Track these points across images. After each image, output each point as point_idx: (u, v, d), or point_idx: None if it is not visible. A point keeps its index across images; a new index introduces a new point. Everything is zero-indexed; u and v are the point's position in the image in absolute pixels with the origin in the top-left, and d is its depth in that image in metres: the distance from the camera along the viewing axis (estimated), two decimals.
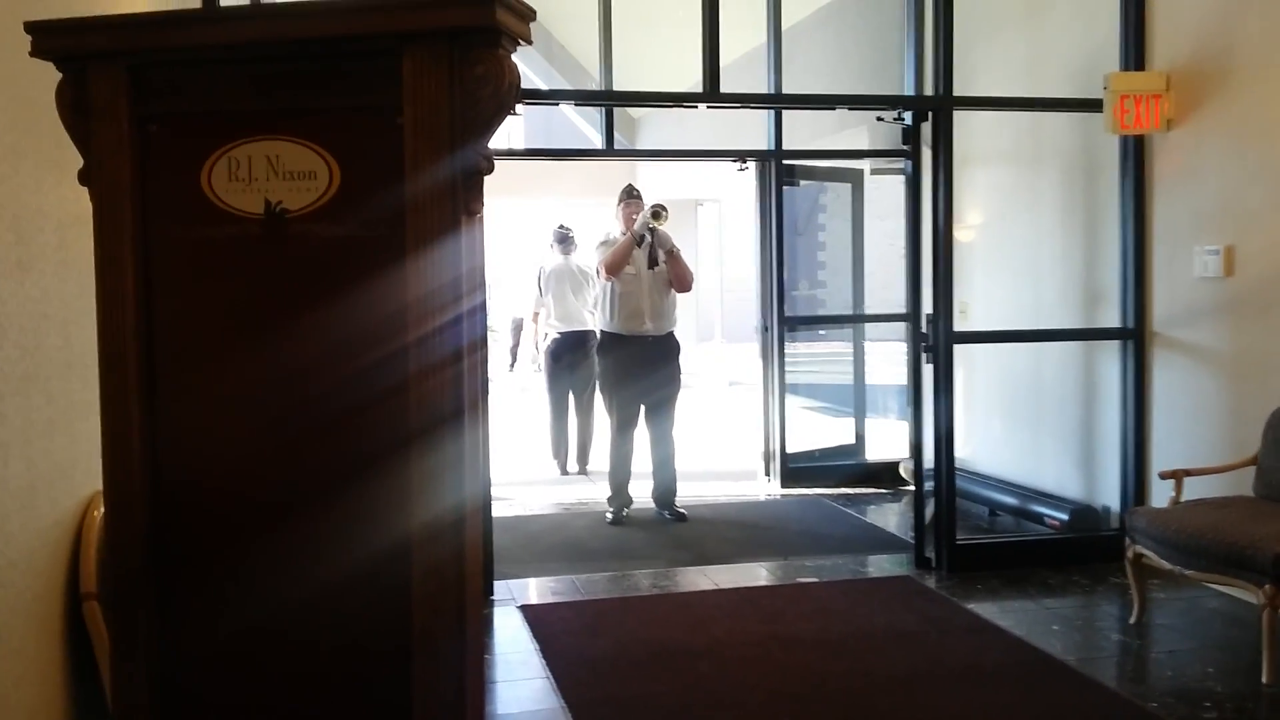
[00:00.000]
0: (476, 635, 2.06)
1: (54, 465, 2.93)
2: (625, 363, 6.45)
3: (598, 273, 6.61)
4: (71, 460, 3.03)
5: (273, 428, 2.08)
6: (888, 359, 9.62)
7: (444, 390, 1.96)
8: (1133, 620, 4.50)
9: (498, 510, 6.05)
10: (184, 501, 2.10)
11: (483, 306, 2.20)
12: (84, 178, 2.09)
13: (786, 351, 7.39)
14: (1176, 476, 4.55)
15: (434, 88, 1.94)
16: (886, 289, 12.14)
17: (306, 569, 2.06)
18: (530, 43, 2.08)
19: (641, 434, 6.57)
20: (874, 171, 8.17)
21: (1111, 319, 5.49)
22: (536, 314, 8.48)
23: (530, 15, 2.01)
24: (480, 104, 1.94)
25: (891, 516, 6.62)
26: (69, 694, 3.07)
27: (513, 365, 15.27)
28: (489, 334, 13.71)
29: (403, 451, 1.97)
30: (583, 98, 7.84)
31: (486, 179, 2.03)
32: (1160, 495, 4.96)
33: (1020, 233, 6.29)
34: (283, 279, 2.07)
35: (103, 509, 2.33)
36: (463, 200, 1.97)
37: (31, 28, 2.03)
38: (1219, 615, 4.63)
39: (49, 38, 2.04)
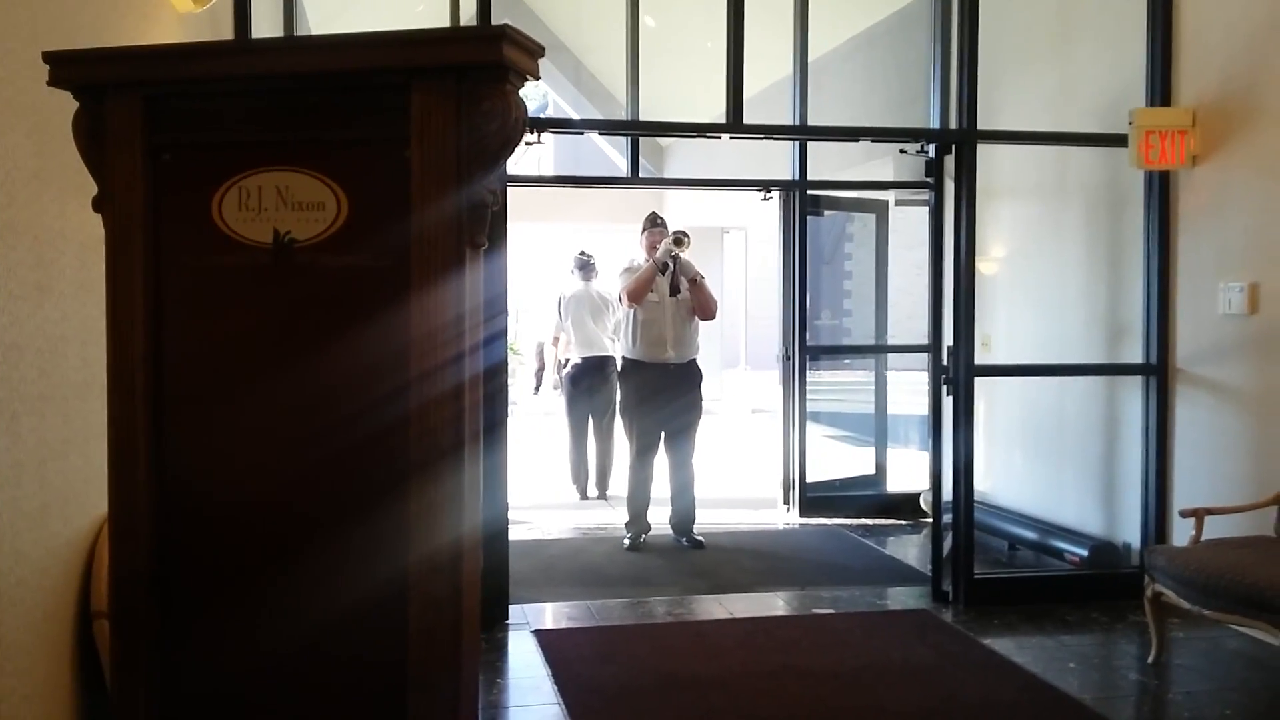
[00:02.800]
0: (472, 671, 2.06)
1: (68, 484, 2.97)
2: (646, 389, 6.46)
3: (620, 300, 6.64)
4: (85, 479, 3.07)
5: (276, 455, 2.09)
6: (911, 389, 9.57)
7: (445, 422, 1.98)
8: (1151, 660, 4.45)
9: (516, 534, 6.06)
10: (187, 527, 2.12)
11: (499, 336, 2.22)
12: (98, 205, 2.13)
13: (809, 380, 7.38)
14: (1197, 515, 4.50)
15: (441, 122, 1.96)
16: (912, 319, 12.08)
17: (306, 599, 2.07)
18: (538, 78, 2.10)
19: (661, 461, 6.57)
20: (899, 202, 8.17)
21: (1134, 354, 5.45)
22: (556, 339, 8.52)
23: (539, 52, 2.03)
24: (487, 138, 1.96)
25: (910, 548, 6.58)
26: (77, 712, 3.10)
27: (537, 389, 15.32)
28: (514, 357, 13.82)
29: (403, 483, 1.98)
30: (609, 127, 7.91)
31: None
32: (1181, 533, 4.90)
33: (1044, 266, 6.26)
34: (290, 308, 2.09)
35: None
36: (467, 232, 1.99)
37: (49, 57, 2.07)
38: (1239, 656, 4.57)
39: (66, 68, 2.08)
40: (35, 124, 2.72)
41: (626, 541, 6.51)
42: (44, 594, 2.86)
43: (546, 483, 8.46)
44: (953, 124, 5.45)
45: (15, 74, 2.61)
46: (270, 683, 2.11)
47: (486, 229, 2.03)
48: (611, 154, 14.05)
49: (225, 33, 4.86)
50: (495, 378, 4.13)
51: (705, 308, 6.53)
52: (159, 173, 2.09)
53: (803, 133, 6.59)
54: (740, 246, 17.01)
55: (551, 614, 5.25)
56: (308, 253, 2.05)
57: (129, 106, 2.06)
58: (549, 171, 14.75)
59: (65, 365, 2.93)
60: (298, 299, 2.08)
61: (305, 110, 2.06)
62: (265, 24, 5.30)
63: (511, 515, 5.39)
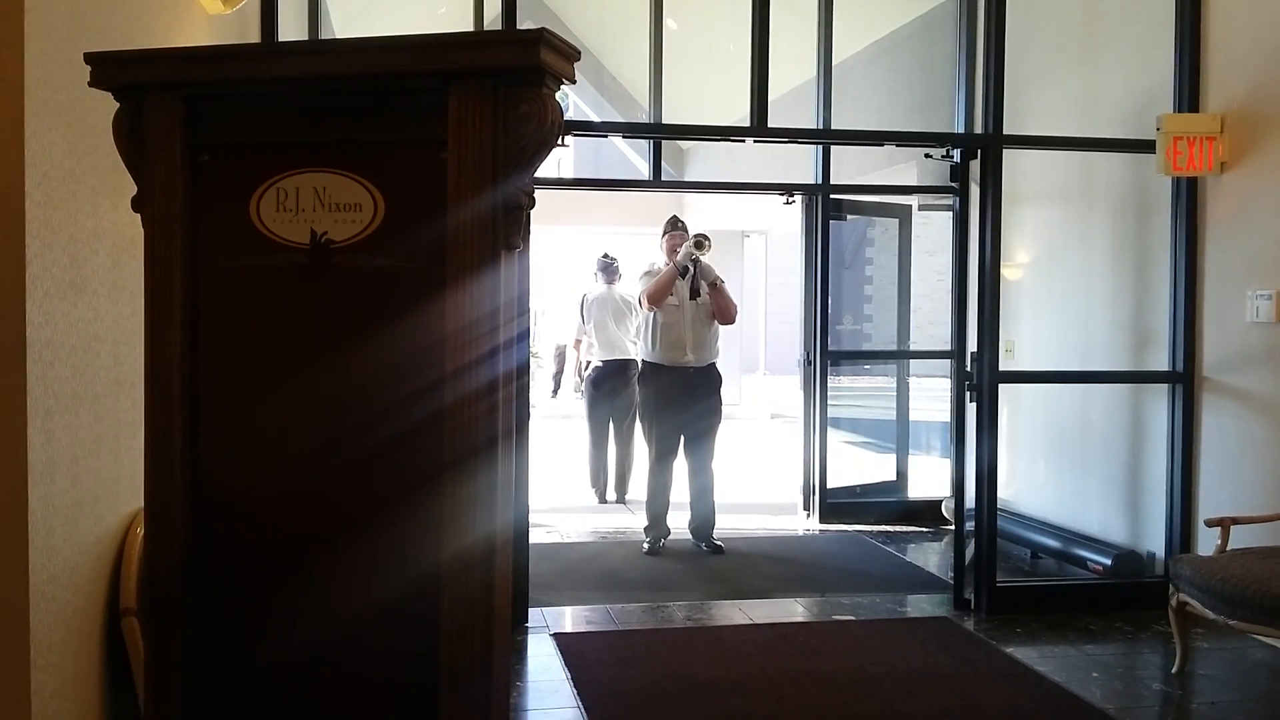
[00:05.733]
0: (503, 666, 2.07)
1: (99, 482, 2.99)
2: (666, 393, 6.46)
3: (640, 303, 6.64)
4: (116, 477, 3.09)
5: (310, 454, 2.11)
6: (932, 395, 9.54)
7: (478, 420, 1.98)
8: (1175, 670, 4.42)
9: (535, 537, 6.07)
10: (221, 524, 2.14)
11: (523, 337, 2.23)
12: (137, 204, 2.14)
13: (830, 385, 7.36)
14: (1223, 524, 4.47)
15: (478, 125, 1.97)
16: (934, 324, 12.02)
17: (339, 595, 2.08)
18: (574, 82, 2.10)
19: (681, 465, 6.57)
20: (922, 207, 8.13)
21: (1160, 362, 5.42)
22: (579, 342, 8.53)
23: (575, 56, 2.04)
24: (523, 141, 1.98)
25: (932, 556, 6.56)
26: (106, 707, 3.12)
27: (555, 392, 15.35)
28: (533, 360, 13.84)
29: (436, 481, 1.99)
30: (631, 130, 7.90)
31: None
32: (1206, 542, 4.87)
33: (1069, 273, 6.24)
34: (326, 308, 2.10)
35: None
36: (502, 234, 2.00)
37: (91, 59, 2.09)
38: (1263, 667, 4.54)
39: (107, 69, 2.10)
40: (70, 124, 2.74)
41: (646, 546, 6.50)
42: (74, 591, 2.88)
43: (565, 486, 8.47)
44: (978, 129, 5.43)
45: (51, 74, 2.63)
46: (302, 677, 2.12)
47: (521, 231, 2.04)
48: (632, 157, 14.04)
49: (253, 33, 4.88)
50: (518, 379, 4.15)
51: (725, 312, 6.52)
52: (198, 173, 2.11)
53: (827, 137, 6.59)
54: (761, 250, 16.98)
55: (571, 617, 5.25)
56: (344, 253, 2.07)
57: (169, 108, 2.08)
58: (569, 174, 14.76)
59: (97, 364, 2.95)
60: (334, 299, 2.09)
61: (343, 112, 2.08)
62: (291, 25, 5.32)
63: (531, 518, 5.39)
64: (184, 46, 3.54)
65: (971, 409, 5.26)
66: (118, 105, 2.15)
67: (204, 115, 2.10)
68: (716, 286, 6.47)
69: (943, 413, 7.88)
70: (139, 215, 2.16)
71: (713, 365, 6.57)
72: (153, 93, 2.09)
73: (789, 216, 7.66)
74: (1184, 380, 5.26)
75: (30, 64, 2.52)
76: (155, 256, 2.11)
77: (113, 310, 3.04)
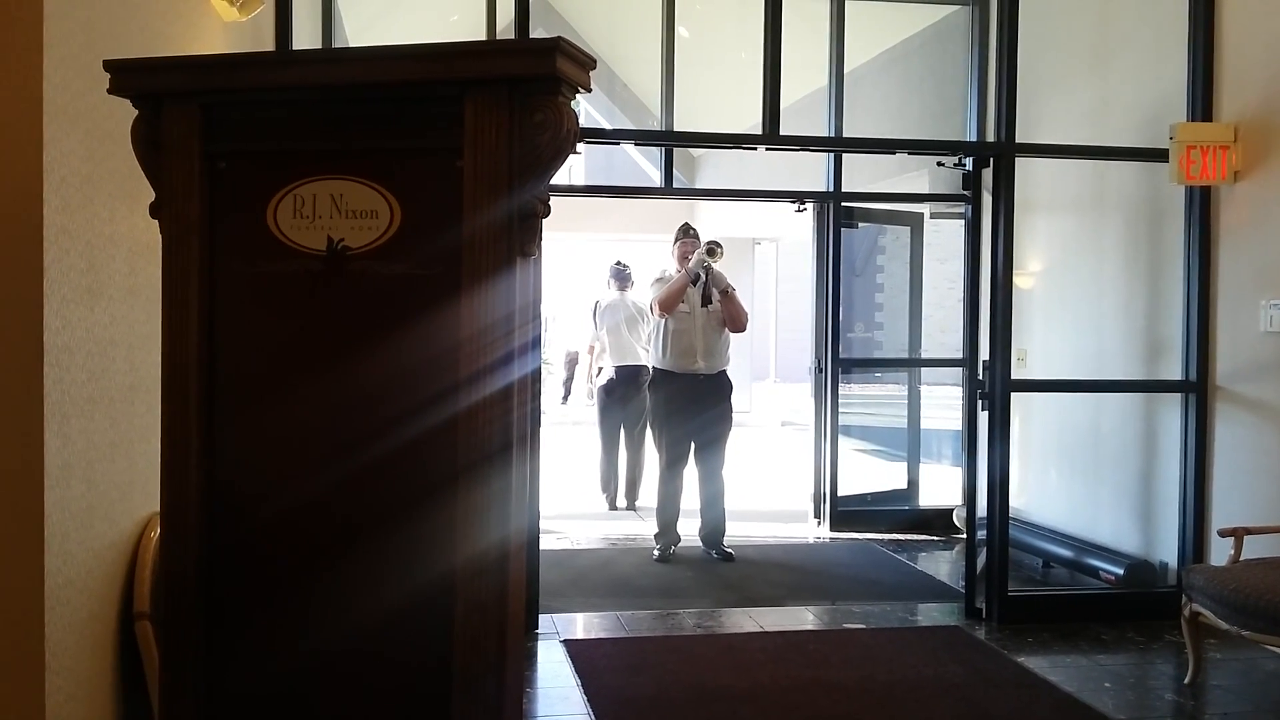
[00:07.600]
0: (517, 673, 2.07)
1: (114, 486, 3.01)
2: (676, 400, 6.47)
3: (651, 309, 6.65)
4: (130, 482, 3.11)
5: (325, 460, 2.11)
6: (944, 403, 9.53)
7: (492, 426, 1.99)
8: (1187, 680, 4.40)
9: (545, 543, 6.07)
10: (236, 528, 2.14)
11: (535, 343, 2.23)
12: (155, 210, 2.15)
13: (840, 393, 7.36)
14: (1236, 534, 4.46)
15: (494, 133, 1.98)
16: (945, 332, 12.02)
17: (353, 601, 2.09)
18: (590, 90, 2.11)
19: (691, 472, 6.57)
20: (934, 215, 8.13)
21: (1173, 371, 5.40)
22: (591, 348, 8.54)
23: (590, 64, 2.05)
24: (538, 149, 1.98)
25: (943, 564, 6.54)
26: (119, 711, 3.13)
27: (566, 398, 15.37)
28: (544, 367, 13.86)
29: (450, 486, 1.99)
30: (643, 138, 7.92)
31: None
32: (1219, 553, 4.85)
33: (1082, 281, 6.22)
34: (341, 315, 2.11)
35: (158, 532, 2.39)
36: (517, 242, 2.01)
37: (110, 66, 2.11)
38: (1276, 679, 4.52)
39: (126, 76, 2.12)
40: (87, 130, 2.76)
41: (656, 553, 6.50)
42: (88, 595, 2.89)
43: (576, 492, 8.47)
44: (990, 137, 5.43)
45: (69, 81, 2.65)
46: (316, 683, 2.12)
47: (537, 239, 2.05)
48: (644, 164, 14.07)
49: (267, 41, 4.91)
50: (531, 385, 4.15)
51: (736, 319, 6.53)
52: (215, 180, 2.12)
53: (839, 145, 6.58)
54: (772, 257, 16.99)
55: (581, 624, 5.26)
56: (360, 260, 2.08)
57: (187, 115, 2.09)
58: (580, 181, 14.78)
59: (113, 369, 2.96)
60: (350, 306, 2.10)
61: (360, 120, 2.09)
62: (305, 33, 5.35)
63: (541, 524, 5.40)
64: (201, 54, 3.55)
65: (983, 417, 5.25)
66: (136, 112, 2.17)
67: (221, 122, 2.12)
68: (728, 294, 6.48)
69: (954, 421, 7.87)
70: (156, 221, 2.18)
71: (723, 372, 6.58)
72: (171, 100, 2.10)
73: (800, 224, 7.66)
74: (1197, 390, 5.24)
75: (49, 70, 2.54)
76: (172, 262, 2.12)
77: (129, 315, 3.06)
